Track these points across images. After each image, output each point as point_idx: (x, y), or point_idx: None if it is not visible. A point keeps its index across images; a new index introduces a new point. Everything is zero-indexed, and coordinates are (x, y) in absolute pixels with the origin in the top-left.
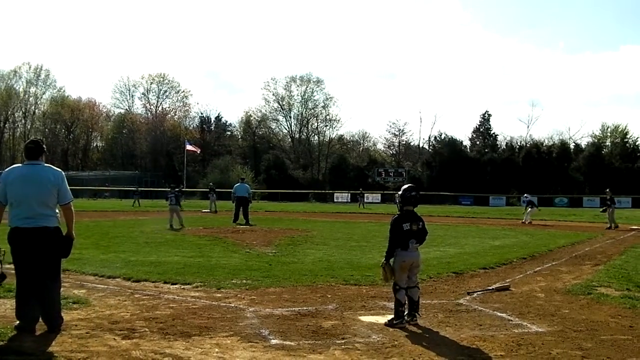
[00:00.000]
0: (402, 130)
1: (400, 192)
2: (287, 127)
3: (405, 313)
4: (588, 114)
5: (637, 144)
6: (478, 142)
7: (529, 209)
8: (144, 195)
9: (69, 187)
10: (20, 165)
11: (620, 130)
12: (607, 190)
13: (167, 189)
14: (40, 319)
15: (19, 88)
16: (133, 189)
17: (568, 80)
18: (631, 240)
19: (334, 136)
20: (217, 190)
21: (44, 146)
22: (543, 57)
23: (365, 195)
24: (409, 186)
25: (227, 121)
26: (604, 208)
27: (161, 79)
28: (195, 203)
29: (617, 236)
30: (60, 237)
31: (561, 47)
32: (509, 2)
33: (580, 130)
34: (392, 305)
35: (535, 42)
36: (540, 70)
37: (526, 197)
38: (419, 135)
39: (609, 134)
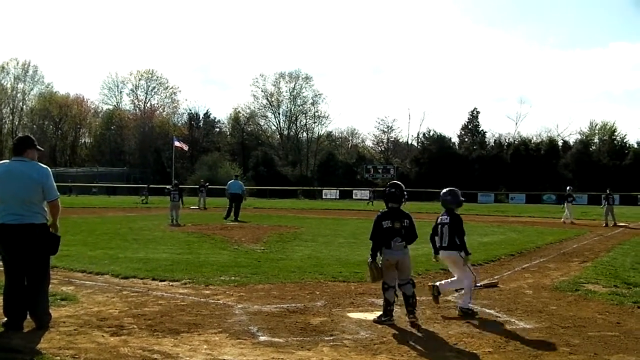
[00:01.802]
0: (391, 127)
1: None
2: (275, 124)
3: (392, 310)
4: (576, 111)
5: (624, 141)
6: (467, 139)
7: (567, 204)
8: (134, 192)
9: (55, 184)
10: (7, 161)
11: (608, 127)
12: (608, 190)
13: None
14: (28, 316)
15: (7, 84)
16: (144, 185)
17: (557, 77)
18: (619, 237)
19: (322, 133)
20: (211, 187)
21: (35, 142)
22: (532, 53)
23: (354, 192)
24: (390, 183)
25: (215, 117)
26: (604, 204)
27: (150, 75)
28: (185, 200)
29: (605, 233)
30: (47, 234)
31: (550, 43)
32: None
33: (568, 127)
34: (380, 302)
35: (524, 39)
36: (529, 67)
37: (570, 189)
38: (408, 132)
39: (597, 131)
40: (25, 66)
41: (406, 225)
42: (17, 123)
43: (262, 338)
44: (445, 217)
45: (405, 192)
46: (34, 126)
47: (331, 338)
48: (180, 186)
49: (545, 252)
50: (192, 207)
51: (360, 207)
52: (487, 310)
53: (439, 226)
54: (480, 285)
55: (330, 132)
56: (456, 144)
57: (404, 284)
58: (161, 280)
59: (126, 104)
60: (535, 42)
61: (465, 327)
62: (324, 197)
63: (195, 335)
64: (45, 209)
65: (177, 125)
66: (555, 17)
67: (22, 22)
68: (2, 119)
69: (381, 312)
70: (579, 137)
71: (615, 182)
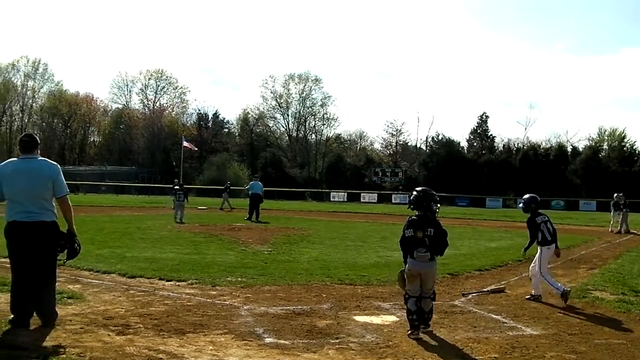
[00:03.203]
0: (400, 130)
1: None
2: (284, 125)
3: (415, 320)
4: (586, 116)
5: (634, 147)
6: (475, 144)
7: (621, 213)
8: (142, 191)
9: (65, 181)
10: (15, 159)
11: (617, 133)
12: (621, 194)
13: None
14: (35, 314)
15: (17, 81)
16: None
17: (567, 83)
18: (627, 244)
19: (331, 135)
20: (219, 187)
21: (38, 139)
22: (542, 58)
23: (362, 195)
24: (418, 188)
25: (224, 118)
26: (624, 211)
27: (159, 75)
28: (193, 200)
29: (613, 240)
30: (57, 232)
31: (561, 48)
32: (509, 2)
33: (577, 133)
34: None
35: (534, 44)
36: (539, 72)
37: (620, 197)
38: (417, 135)
39: (606, 137)
40: (36, 64)
41: (430, 235)
42: (26, 120)
43: (267, 340)
44: (545, 217)
45: (435, 198)
46: (44, 124)
47: (337, 341)
48: (185, 186)
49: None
50: (199, 208)
51: (368, 210)
52: (494, 316)
53: (542, 224)
54: (487, 291)
55: (339, 134)
56: (465, 148)
57: (424, 297)
58: (168, 280)
59: (135, 103)
60: (546, 47)
61: (471, 333)
62: (331, 199)
63: (201, 335)
64: (55, 205)
65: (186, 126)
66: (566, 23)
67: (33, 20)
68: (12, 117)
69: (387, 316)
70: (588, 143)
71: (624, 189)
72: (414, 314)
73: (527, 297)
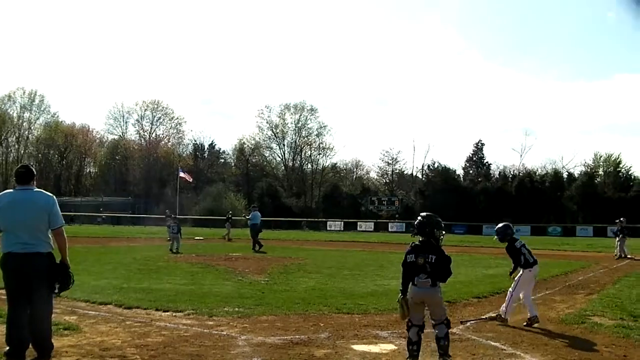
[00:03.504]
0: (396, 159)
1: None
2: (280, 155)
3: (414, 350)
4: (581, 142)
5: (630, 173)
6: (471, 171)
7: (620, 237)
8: (138, 222)
9: (60, 212)
10: (11, 190)
11: (612, 159)
12: (622, 219)
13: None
14: (31, 345)
15: (13, 113)
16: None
17: (562, 109)
18: (624, 269)
19: (327, 164)
20: (215, 218)
21: (34, 170)
22: (537, 85)
23: (359, 224)
24: (423, 214)
25: (220, 148)
26: (620, 236)
27: (155, 106)
28: (190, 231)
29: (610, 265)
30: (53, 263)
31: (555, 75)
32: (503, 30)
33: (573, 159)
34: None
35: (529, 71)
36: (534, 98)
37: (622, 221)
38: (413, 164)
39: (601, 163)
40: (32, 95)
41: (431, 262)
42: (22, 152)
43: None
44: (521, 241)
45: (439, 225)
46: (40, 155)
47: None
48: (177, 217)
49: (550, 285)
50: (196, 238)
51: (365, 239)
52: (493, 343)
53: (522, 247)
54: (486, 318)
55: (335, 163)
56: (461, 175)
57: (437, 324)
58: (164, 311)
59: (131, 134)
60: (539, 73)
61: None
62: (328, 228)
63: None
64: (50, 237)
65: (182, 156)
66: (559, 49)
67: (29, 52)
68: (7, 148)
69: (384, 344)
70: (584, 169)
71: (620, 215)
72: (414, 344)
73: (524, 323)
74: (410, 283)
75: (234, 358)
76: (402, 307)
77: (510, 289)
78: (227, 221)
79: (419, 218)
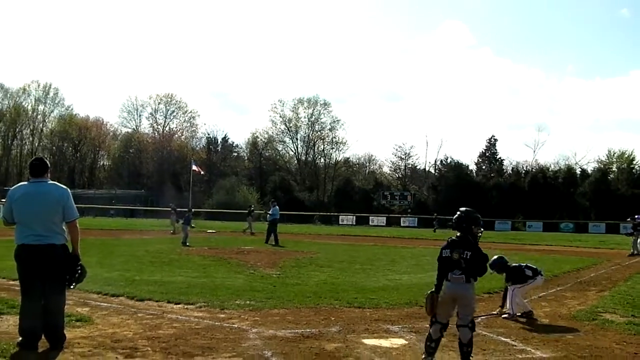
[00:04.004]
0: (408, 154)
1: None
2: (293, 149)
3: (431, 347)
4: (594, 139)
5: None
6: (484, 167)
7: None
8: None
9: (74, 205)
10: (25, 183)
11: (626, 156)
12: (636, 216)
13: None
14: (43, 336)
15: (28, 106)
16: (249, 210)
17: (576, 105)
18: (636, 266)
19: (340, 159)
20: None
21: (48, 163)
22: (551, 81)
23: (371, 218)
24: (462, 209)
25: (233, 142)
26: (631, 232)
27: (169, 99)
28: (202, 224)
29: (622, 262)
30: (67, 255)
31: (570, 71)
32: (518, 26)
33: (586, 155)
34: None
35: (543, 66)
36: (547, 94)
37: (637, 218)
38: (425, 159)
39: (615, 160)
40: (46, 88)
41: (466, 258)
42: (37, 144)
43: None
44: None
45: (477, 221)
46: (54, 148)
47: None
48: (178, 209)
49: (562, 281)
50: (209, 231)
51: (377, 233)
52: (503, 339)
53: (523, 267)
54: (497, 313)
55: (348, 158)
56: (473, 171)
57: (461, 326)
58: (176, 303)
59: (145, 127)
60: (554, 69)
61: (480, 356)
62: (340, 222)
63: (210, 359)
64: (64, 229)
65: (196, 150)
66: (574, 46)
67: (44, 45)
68: (22, 140)
69: (394, 339)
70: (597, 165)
71: (633, 211)
72: (433, 341)
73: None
74: (445, 279)
75: (245, 351)
76: (429, 303)
77: (511, 289)
78: (249, 215)
79: (458, 212)
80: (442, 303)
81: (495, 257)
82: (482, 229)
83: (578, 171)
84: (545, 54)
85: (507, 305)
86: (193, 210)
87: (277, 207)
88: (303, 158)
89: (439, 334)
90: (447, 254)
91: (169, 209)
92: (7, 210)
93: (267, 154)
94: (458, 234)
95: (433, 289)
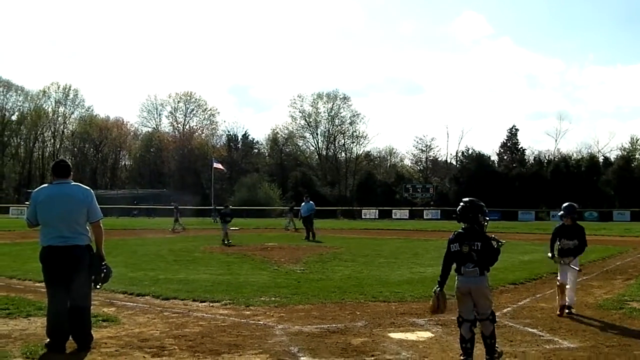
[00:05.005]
0: (429, 146)
1: None
2: (314, 144)
3: (468, 349)
4: (617, 126)
5: None
6: (506, 157)
7: None
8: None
9: (98, 205)
10: (49, 184)
11: None
12: None
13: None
14: (71, 337)
15: (48, 108)
16: (290, 207)
17: (597, 93)
18: None
19: (360, 153)
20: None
21: (71, 165)
22: (572, 69)
23: (393, 211)
24: (465, 199)
25: (254, 139)
26: None
27: (188, 98)
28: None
29: None
30: (92, 255)
31: (591, 59)
32: (537, 14)
33: (609, 143)
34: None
35: (564, 55)
36: (568, 82)
37: None
38: (446, 150)
39: (638, 147)
40: (66, 90)
41: (477, 249)
42: (58, 146)
43: (303, 359)
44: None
45: (482, 210)
46: (75, 149)
47: (372, 358)
48: (217, 207)
49: (588, 270)
50: (232, 228)
51: (400, 226)
52: (530, 330)
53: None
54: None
55: (369, 151)
56: (495, 162)
57: (482, 320)
58: (202, 301)
59: (165, 126)
60: (576, 58)
61: (508, 347)
62: (363, 217)
63: (236, 356)
64: (88, 229)
65: (216, 147)
66: (596, 33)
67: (63, 47)
68: (43, 143)
69: (421, 332)
70: (620, 153)
71: None
72: (468, 341)
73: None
74: (457, 274)
75: (271, 347)
76: (436, 300)
77: (571, 277)
78: (290, 211)
79: (462, 203)
80: (458, 299)
81: (568, 203)
82: (487, 218)
83: (601, 159)
84: (565, 42)
85: (568, 295)
86: (230, 206)
87: (312, 202)
88: (324, 153)
89: (470, 332)
90: (457, 248)
91: (172, 207)
92: (31, 212)
93: (287, 150)
94: (464, 226)
95: (437, 287)
